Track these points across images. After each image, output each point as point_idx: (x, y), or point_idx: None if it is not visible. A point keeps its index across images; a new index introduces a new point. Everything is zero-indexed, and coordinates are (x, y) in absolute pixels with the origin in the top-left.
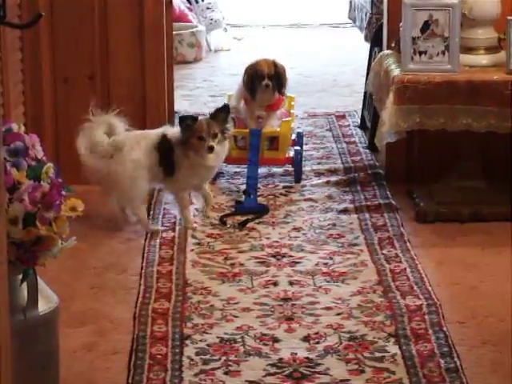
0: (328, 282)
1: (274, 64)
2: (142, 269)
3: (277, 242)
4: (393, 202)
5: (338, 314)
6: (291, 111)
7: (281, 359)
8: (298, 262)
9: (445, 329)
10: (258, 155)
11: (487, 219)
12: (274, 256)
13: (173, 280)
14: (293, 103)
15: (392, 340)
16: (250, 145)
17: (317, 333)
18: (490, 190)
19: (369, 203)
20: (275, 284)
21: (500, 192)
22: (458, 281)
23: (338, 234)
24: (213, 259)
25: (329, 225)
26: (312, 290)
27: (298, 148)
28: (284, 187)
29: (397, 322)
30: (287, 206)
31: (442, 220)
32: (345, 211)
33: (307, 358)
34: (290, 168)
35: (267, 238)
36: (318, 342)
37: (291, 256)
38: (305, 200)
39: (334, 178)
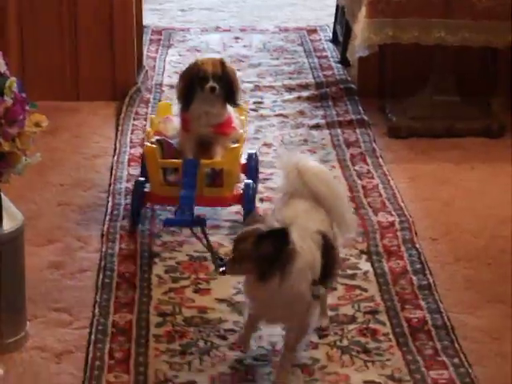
0: None
1: (222, 63)
2: (110, 185)
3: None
4: (365, 117)
5: None
6: (240, 130)
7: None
8: (268, 179)
9: (417, 245)
10: (195, 182)
11: (461, 134)
12: (243, 173)
13: None
14: (243, 117)
15: (364, 257)
16: (183, 174)
17: None
18: (463, 104)
19: (341, 119)
20: None
21: (474, 106)
22: (431, 197)
23: (309, 150)
24: None
25: (300, 141)
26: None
27: (248, 181)
28: (254, 102)
29: (369, 239)
30: (257, 121)
31: (415, 135)
32: (316, 127)
33: None
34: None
35: None
36: None
37: (262, 172)
38: (275, 115)
39: (305, 94)
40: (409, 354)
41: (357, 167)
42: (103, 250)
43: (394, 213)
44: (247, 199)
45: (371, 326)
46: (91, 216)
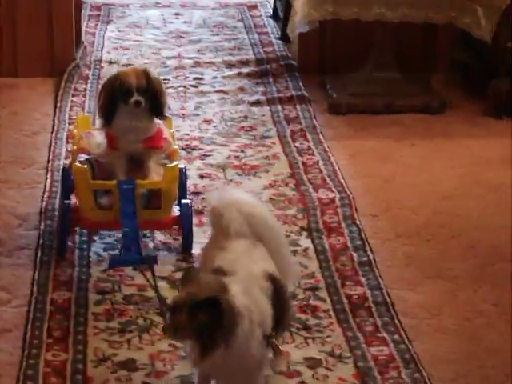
0: (239, 175)
1: (147, 74)
2: (48, 163)
3: (187, 134)
4: (305, 93)
5: None
6: (172, 143)
7: (191, 254)
8: (208, 155)
9: (358, 222)
10: (135, 207)
11: (401, 111)
12: (184, 149)
13: None
14: (172, 130)
15: (304, 234)
16: (120, 198)
17: None
18: (403, 81)
19: (281, 95)
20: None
21: (414, 83)
22: (372, 173)
23: (249, 127)
24: None
25: (240, 117)
26: (223, 184)
27: (186, 201)
28: (194, 79)
29: (309, 216)
30: (197, 97)
31: (356, 112)
32: (257, 103)
33: None
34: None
35: (177, 131)
36: None
37: (202, 149)
38: (216, 92)
39: (245, 70)
40: (349, 331)
41: (297, 144)
42: (41, 227)
43: (334, 189)
44: (186, 221)
45: (311, 302)
46: (29, 193)
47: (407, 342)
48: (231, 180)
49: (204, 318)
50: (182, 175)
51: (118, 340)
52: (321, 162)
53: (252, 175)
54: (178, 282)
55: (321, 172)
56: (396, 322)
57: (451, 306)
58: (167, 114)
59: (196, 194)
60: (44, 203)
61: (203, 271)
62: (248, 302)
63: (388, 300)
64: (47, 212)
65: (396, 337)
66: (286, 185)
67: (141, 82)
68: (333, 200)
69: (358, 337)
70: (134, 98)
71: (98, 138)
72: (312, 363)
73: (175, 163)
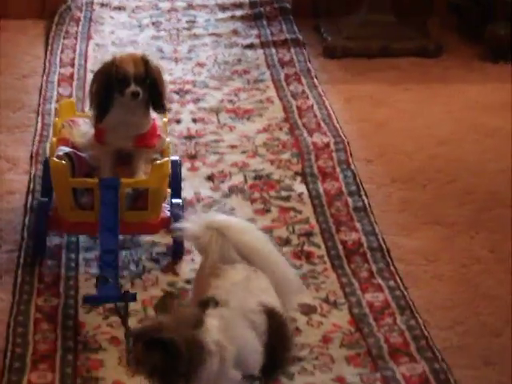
0: (233, 119)
1: (145, 61)
2: (39, 106)
3: (180, 78)
4: (300, 36)
5: (244, 153)
6: (165, 137)
7: (183, 199)
8: (201, 99)
9: (353, 167)
10: (117, 217)
11: (396, 54)
12: (177, 93)
13: None
14: (165, 118)
15: (298, 178)
16: (101, 203)
17: (221, 172)
18: (399, 24)
19: (275, 38)
20: (178, 122)
21: (410, 26)
22: (367, 118)
23: (243, 70)
24: None
25: (234, 60)
26: (216, 128)
27: (176, 200)
28: (187, 21)
29: (304, 160)
30: (190, 40)
31: (350, 55)
32: (250, 46)
33: (211, 197)
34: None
35: (170, 74)
36: (222, 182)
37: (194, 93)
38: (209, 35)
39: (239, 12)
40: (344, 277)
41: (291, 87)
42: (32, 171)
43: (329, 134)
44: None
45: (306, 248)
46: (20, 137)
47: (403, 288)
48: (224, 124)
49: (157, 358)
50: (176, 168)
51: None
52: (315, 106)
53: (246, 119)
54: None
55: (315, 116)
56: (391, 268)
57: (448, 252)
58: (167, 108)
59: (189, 138)
60: (35, 147)
61: (193, 299)
62: (224, 338)
63: (383, 246)
64: (38, 156)
65: (391, 283)
66: (280, 129)
67: (139, 69)
68: (327, 145)
69: (353, 283)
70: (130, 89)
71: (83, 127)
72: (306, 309)
73: (165, 159)
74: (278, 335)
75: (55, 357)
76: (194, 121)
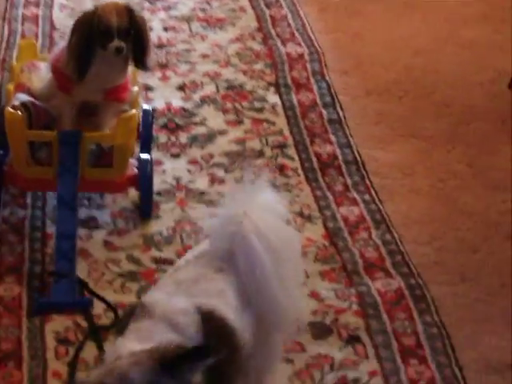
0: (205, 28)
1: (130, 11)
2: (5, 12)
3: None
4: None
5: (216, 62)
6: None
7: (154, 110)
8: (172, 7)
9: (327, 78)
10: (76, 182)
11: None
12: (148, 0)
13: (39, 24)
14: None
15: (272, 89)
16: (60, 161)
17: (193, 81)
18: None
19: None
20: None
21: None
22: (342, 28)
23: None
24: (83, 4)
25: None
26: (188, 37)
27: (145, 156)
28: None
29: (277, 71)
30: None
31: None
32: None
33: (183, 107)
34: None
35: None
36: (194, 92)
37: (166, 0)
38: None
39: None
40: (318, 190)
41: None
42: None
43: (303, 44)
44: (144, 182)
45: (279, 160)
46: None
47: (378, 202)
48: (196, 33)
49: None
50: (148, 118)
51: (78, 196)
52: (289, 16)
53: (218, 28)
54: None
55: (289, 26)
56: (367, 181)
57: (424, 166)
58: (150, 67)
59: (160, 47)
60: (1, 55)
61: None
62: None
63: (358, 159)
64: (4, 63)
65: (366, 197)
66: (253, 38)
67: (122, 21)
68: (301, 55)
69: (328, 196)
70: (114, 43)
71: (45, 71)
72: None
73: (133, 112)
74: (215, 336)
75: (22, 269)
76: (165, 29)
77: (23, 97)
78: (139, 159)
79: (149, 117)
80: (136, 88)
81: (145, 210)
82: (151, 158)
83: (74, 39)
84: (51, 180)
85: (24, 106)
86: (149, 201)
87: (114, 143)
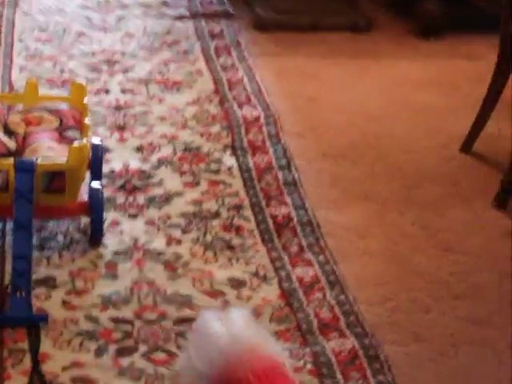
0: (162, 90)
1: None
2: None
3: (108, 48)
4: (229, 9)
5: (173, 124)
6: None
7: (112, 171)
8: (130, 70)
9: (283, 141)
10: (30, 210)
11: (327, 29)
12: (105, 63)
13: None
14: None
15: (228, 152)
16: (15, 189)
17: (150, 143)
18: None
19: (205, 10)
20: (107, 92)
21: (339, 2)
22: (297, 92)
23: (172, 41)
24: (41, 64)
25: (163, 32)
26: (145, 99)
27: (96, 185)
28: None
29: (233, 134)
30: (119, 10)
31: (281, 29)
32: (180, 18)
33: (140, 169)
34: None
35: (99, 44)
36: (151, 153)
37: (123, 63)
38: (138, 5)
39: None
40: (274, 251)
41: (221, 60)
42: None
43: (259, 107)
44: (96, 208)
45: (235, 221)
46: None
47: (332, 263)
48: (154, 95)
49: None
50: (98, 152)
51: (37, 256)
52: (245, 79)
53: (175, 91)
54: None
55: (245, 89)
56: (321, 242)
57: (378, 228)
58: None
59: (118, 108)
60: None
61: None
62: None
63: (313, 221)
64: None
65: (321, 258)
66: (210, 101)
67: None
68: (257, 118)
69: (283, 257)
70: None
71: None
72: (236, 283)
73: (84, 141)
74: None
75: None
76: (123, 91)
77: None
78: (90, 187)
79: (98, 151)
80: (87, 120)
81: (95, 236)
82: (102, 187)
83: None
84: (9, 206)
85: None
86: (99, 228)
87: (66, 169)
